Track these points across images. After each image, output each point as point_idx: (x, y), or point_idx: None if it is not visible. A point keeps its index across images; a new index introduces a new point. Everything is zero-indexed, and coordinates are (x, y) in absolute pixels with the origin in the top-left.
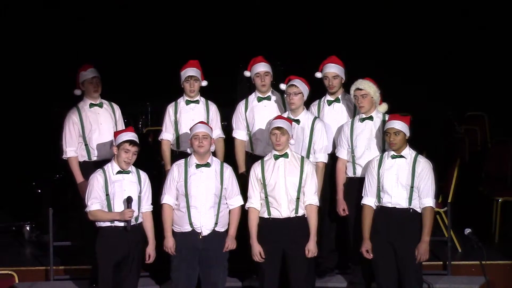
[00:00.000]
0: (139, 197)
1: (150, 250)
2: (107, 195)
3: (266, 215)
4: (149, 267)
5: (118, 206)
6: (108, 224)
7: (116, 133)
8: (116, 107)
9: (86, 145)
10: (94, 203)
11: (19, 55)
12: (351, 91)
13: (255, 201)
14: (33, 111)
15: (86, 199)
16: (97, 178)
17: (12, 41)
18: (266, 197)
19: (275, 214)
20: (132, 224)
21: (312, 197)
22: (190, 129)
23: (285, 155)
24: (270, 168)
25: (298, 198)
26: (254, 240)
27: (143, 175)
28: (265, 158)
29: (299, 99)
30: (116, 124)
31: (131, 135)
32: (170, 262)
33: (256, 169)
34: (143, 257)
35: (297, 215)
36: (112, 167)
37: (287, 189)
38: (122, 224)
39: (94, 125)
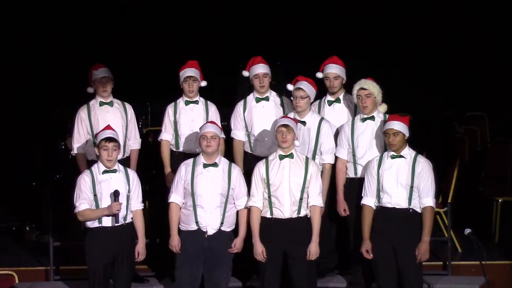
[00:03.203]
0: (128, 196)
1: (139, 248)
2: (95, 195)
3: (268, 215)
4: (154, 265)
5: (106, 205)
6: (96, 225)
7: (96, 135)
8: (128, 107)
9: (94, 143)
10: (83, 203)
11: (19, 54)
12: (354, 91)
13: (257, 200)
14: (34, 111)
15: (75, 200)
16: (84, 179)
17: (12, 40)
18: (269, 197)
19: (277, 214)
20: (120, 224)
21: (316, 198)
22: (199, 129)
23: (290, 156)
24: (275, 168)
25: (301, 199)
26: (257, 239)
27: (132, 174)
28: (270, 158)
29: (306, 102)
30: (128, 124)
31: (107, 133)
32: (175, 260)
33: (260, 168)
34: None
35: (299, 215)
36: (98, 167)
37: (291, 190)
38: (110, 224)
39: (102, 123)
